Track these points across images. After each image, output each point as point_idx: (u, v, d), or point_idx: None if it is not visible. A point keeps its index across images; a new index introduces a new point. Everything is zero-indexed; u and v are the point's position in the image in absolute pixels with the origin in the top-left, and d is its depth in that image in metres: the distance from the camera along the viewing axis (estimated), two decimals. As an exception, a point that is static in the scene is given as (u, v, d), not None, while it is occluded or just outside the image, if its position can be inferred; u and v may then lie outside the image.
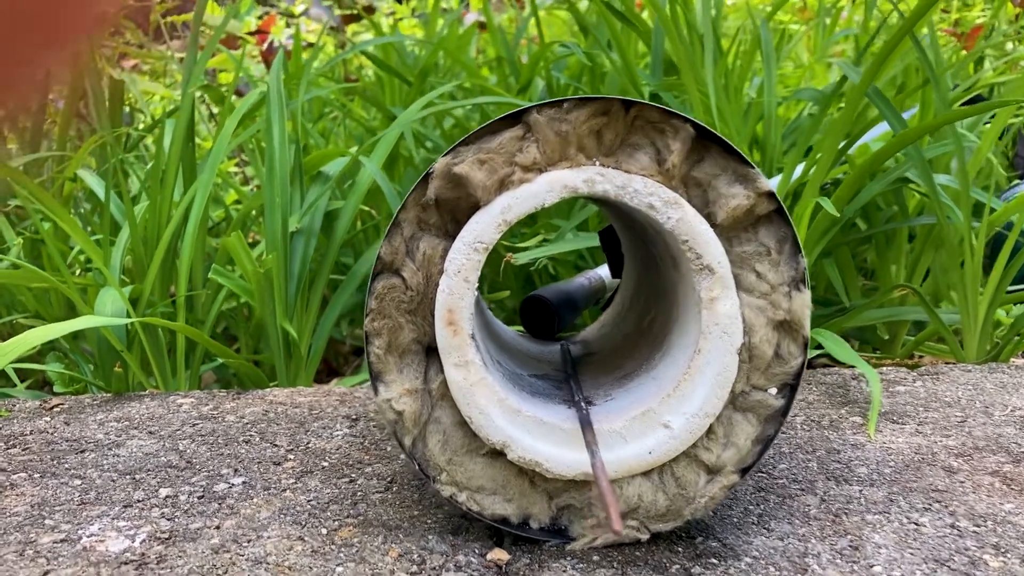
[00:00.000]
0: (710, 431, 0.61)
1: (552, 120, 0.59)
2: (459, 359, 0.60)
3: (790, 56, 2.33)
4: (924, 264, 1.29)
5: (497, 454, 0.61)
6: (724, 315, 0.60)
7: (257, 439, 0.87)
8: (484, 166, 0.59)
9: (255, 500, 0.71)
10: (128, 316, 1.08)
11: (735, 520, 0.67)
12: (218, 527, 0.66)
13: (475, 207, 0.60)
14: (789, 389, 0.62)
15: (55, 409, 0.99)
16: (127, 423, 0.93)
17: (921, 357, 1.28)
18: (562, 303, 0.91)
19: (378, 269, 0.61)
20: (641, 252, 0.81)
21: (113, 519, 0.68)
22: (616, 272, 0.94)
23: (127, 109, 2.06)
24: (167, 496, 0.72)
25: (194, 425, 0.92)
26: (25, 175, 1.33)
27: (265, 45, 2.55)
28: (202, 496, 0.72)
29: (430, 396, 0.62)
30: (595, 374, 0.76)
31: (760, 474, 0.75)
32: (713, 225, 0.60)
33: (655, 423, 0.61)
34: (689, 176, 0.61)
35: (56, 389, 1.18)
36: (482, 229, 0.59)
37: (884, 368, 1.09)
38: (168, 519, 0.68)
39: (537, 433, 0.61)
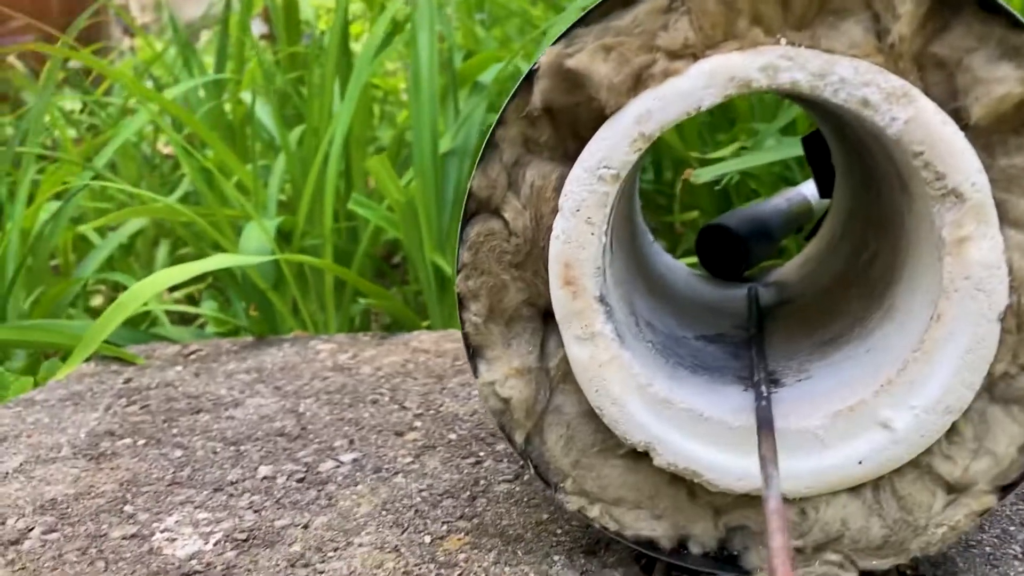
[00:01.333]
0: (953, 432, 0.42)
1: (710, -19, 0.40)
2: (583, 330, 0.43)
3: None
4: None
5: (642, 455, 0.45)
6: (979, 264, 0.39)
7: (387, 398, 0.74)
8: (611, 55, 0.41)
9: (359, 487, 0.59)
10: (273, 252, 0.99)
11: (987, 554, 0.47)
12: (306, 526, 0.54)
13: (603, 117, 0.42)
14: (1083, 372, 0.41)
15: (191, 356, 0.92)
16: (256, 375, 0.84)
17: None
18: (752, 233, 0.72)
19: (472, 209, 0.45)
20: (857, 165, 0.60)
21: (196, 508, 0.57)
22: (825, 191, 0.73)
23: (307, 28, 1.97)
24: (264, 477, 0.61)
25: (324, 379, 0.81)
26: (174, 103, 1.27)
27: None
28: (302, 479, 0.61)
29: (548, 377, 0.46)
30: (791, 334, 0.57)
31: (1027, 472, 0.54)
32: (964, 127, 0.40)
33: (869, 421, 0.42)
34: (926, 53, 0.40)
35: (209, 330, 1.12)
36: (610, 148, 0.41)
37: None
38: (255, 511, 0.57)
39: (695, 432, 0.44)
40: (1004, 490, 0.42)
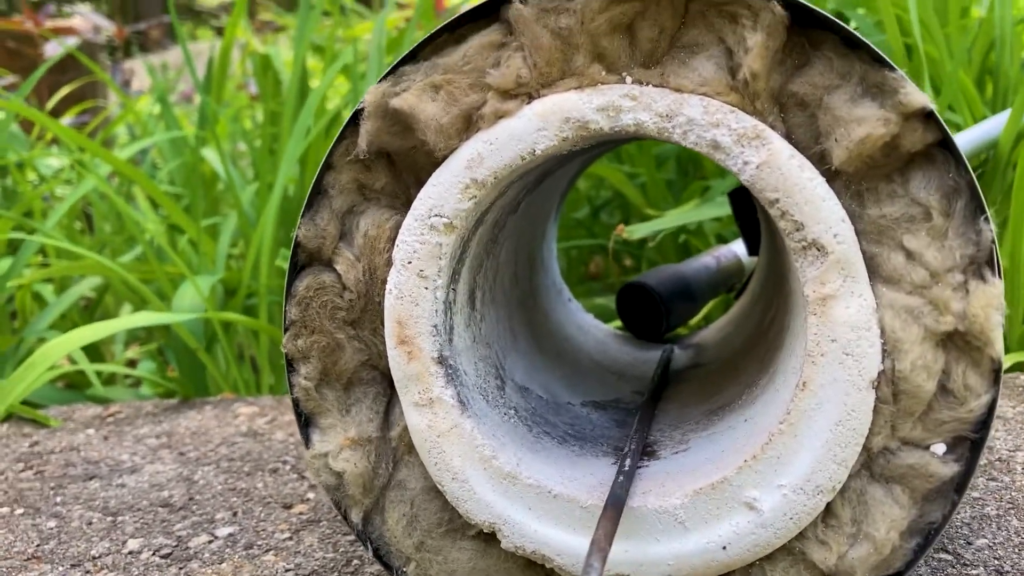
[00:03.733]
0: (829, 514, 0.37)
1: (544, 13, 0.37)
2: (420, 396, 0.39)
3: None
4: None
5: (492, 536, 0.40)
6: (846, 325, 0.35)
7: (288, 467, 0.70)
8: (439, 94, 0.37)
9: (223, 565, 0.54)
10: (207, 311, 0.95)
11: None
12: (151, 610, 0.49)
13: (440, 162, 0.39)
14: (969, 447, 0.36)
15: (108, 419, 0.88)
16: (165, 439, 0.79)
17: None
18: (673, 293, 0.67)
19: (301, 261, 0.41)
20: (769, 219, 0.56)
21: (45, 586, 0.53)
22: (753, 248, 0.69)
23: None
24: (131, 552, 0.57)
25: (232, 445, 0.76)
26: (130, 164, 1.25)
27: None
28: (169, 553, 0.56)
29: (391, 448, 0.41)
30: (687, 400, 0.52)
31: (942, 555, 0.49)
32: (831, 173, 0.36)
33: (732, 501, 0.37)
34: (785, 91, 0.36)
35: (144, 391, 1.08)
36: (440, 195, 0.38)
37: None
38: (105, 590, 0.52)
39: (544, 511, 0.39)
40: (888, 581, 0.37)
